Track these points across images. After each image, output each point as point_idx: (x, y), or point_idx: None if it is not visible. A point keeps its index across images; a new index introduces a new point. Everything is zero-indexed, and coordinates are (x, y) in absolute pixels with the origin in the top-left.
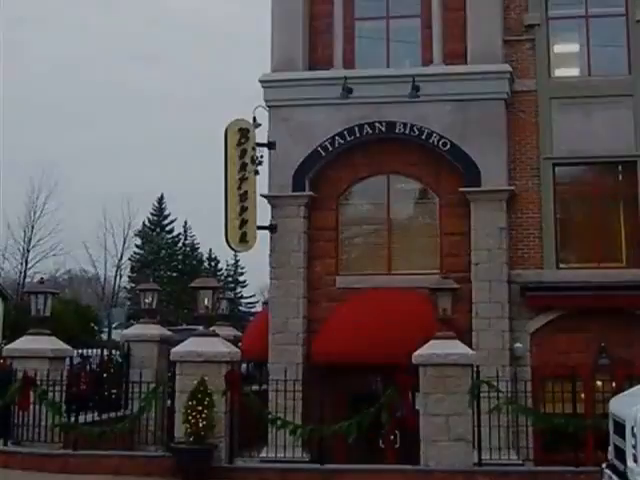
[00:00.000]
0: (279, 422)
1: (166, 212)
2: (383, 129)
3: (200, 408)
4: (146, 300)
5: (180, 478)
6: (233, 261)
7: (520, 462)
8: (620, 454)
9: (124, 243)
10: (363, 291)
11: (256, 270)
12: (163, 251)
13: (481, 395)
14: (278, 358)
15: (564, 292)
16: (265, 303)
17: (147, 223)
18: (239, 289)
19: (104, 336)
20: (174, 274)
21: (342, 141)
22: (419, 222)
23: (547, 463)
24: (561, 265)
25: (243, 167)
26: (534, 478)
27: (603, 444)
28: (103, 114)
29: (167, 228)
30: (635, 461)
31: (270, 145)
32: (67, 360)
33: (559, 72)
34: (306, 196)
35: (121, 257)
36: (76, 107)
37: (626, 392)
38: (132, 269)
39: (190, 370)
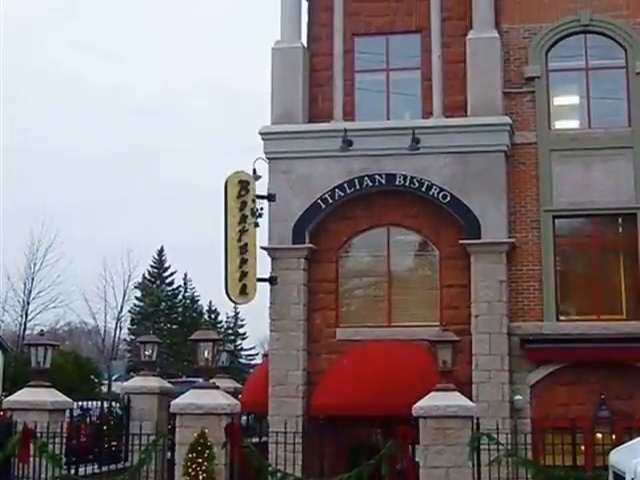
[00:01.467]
0: (279, 474)
1: (166, 264)
2: (383, 181)
3: (200, 460)
4: (146, 352)
5: None
6: (233, 313)
7: None
8: None
9: (124, 295)
10: (363, 343)
11: (256, 322)
12: (163, 303)
13: (481, 447)
14: (278, 410)
15: (564, 344)
16: (265, 355)
17: (147, 275)
18: (239, 341)
19: (104, 388)
20: (174, 326)
21: (342, 193)
22: (419, 274)
23: None
24: (561, 317)
25: (243, 219)
26: None
27: None
28: (103, 165)
29: (167, 280)
30: None
31: (270, 197)
32: (67, 412)
33: (559, 124)
34: (306, 248)
35: (121, 309)
36: (76, 158)
37: (626, 444)
38: (132, 321)
39: (190, 422)
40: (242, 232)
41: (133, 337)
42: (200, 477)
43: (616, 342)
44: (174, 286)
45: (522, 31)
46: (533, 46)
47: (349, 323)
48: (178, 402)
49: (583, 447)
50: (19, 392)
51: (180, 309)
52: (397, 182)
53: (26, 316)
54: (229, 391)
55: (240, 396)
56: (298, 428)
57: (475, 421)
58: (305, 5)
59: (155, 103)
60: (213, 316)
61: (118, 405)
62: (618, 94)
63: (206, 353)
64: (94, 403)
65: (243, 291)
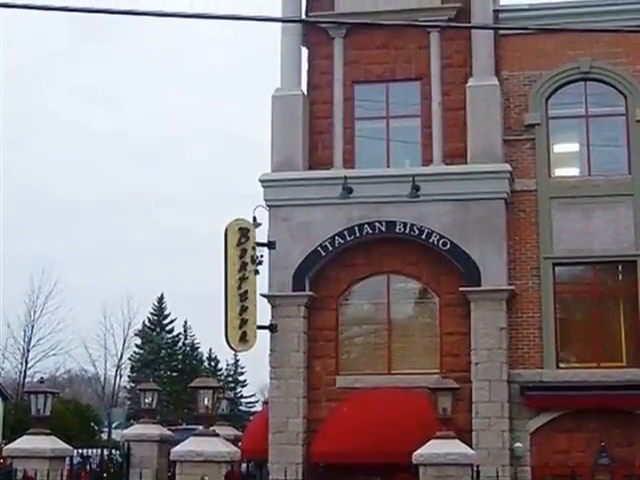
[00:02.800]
0: None
1: (166, 312)
2: (383, 229)
3: None
4: (146, 400)
5: None
6: (233, 360)
7: None
8: None
9: (124, 343)
10: (363, 391)
11: (256, 370)
12: (163, 351)
13: None
14: (278, 458)
15: (564, 392)
16: (265, 402)
17: (147, 323)
18: (239, 388)
19: (104, 436)
20: (174, 374)
21: (342, 241)
22: (419, 322)
23: None
24: (561, 365)
25: (243, 266)
26: None
27: None
28: (103, 212)
29: (167, 328)
30: None
31: (270, 245)
32: (67, 460)
33: (559, 172)
34: (306, 296)
35: (121, 357)
36: (76, 205)
37: None
38: (132, 369)
39: (190, 470)
40: (242, 279)
41: (133, 384)
42: None
43: (616, 389)
44: (174, 333)
45: (522, 78)
46: (533, 93)
47: (349, 371)
48: (178, 450)
49: None
50: (19, 440)
51: (180, 356)
52: (397, 229)
53: (26, 363)
54: (229, 439)
55: (240, 443)
56: (298, 476)
57: (475, 469)
58: (305, 53)
59: (155, 150)
60: (213, 363)
61: (118, 453)
62: (618, 141)
63: (206, 401)
64: (94, 451)
65: (243, 338)
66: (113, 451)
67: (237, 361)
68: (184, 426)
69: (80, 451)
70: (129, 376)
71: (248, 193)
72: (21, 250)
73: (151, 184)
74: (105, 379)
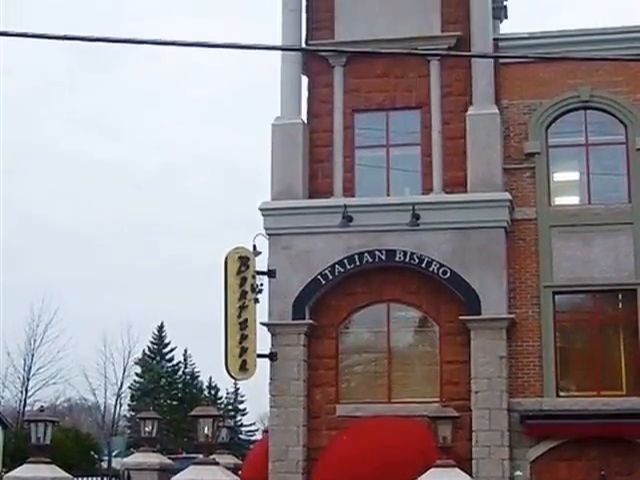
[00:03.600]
0: None
1: (166, 340)
2: (383, 257)
3: None
4: (146, 428)
5: None
6: (233, 389)
7: None
8: None
9: (124, 371)
10: (363, 419)
11: (256, 398)
12: (163, 379)
13: None
14: None
15: (564, 420)
16: (265, 431)
17: (147, 351)
18: (239, 417)
19: (104, 464)
20: (174, 402)
21: (342, 269)
22: (419, 350)
23: None
24: (561, 393)
25: (243, 295)
26: None
27: None
28: (103, 241)
29: (167, 356)
30: None
31: (270, 273)
32: None
33: (559, 200)
34: (306, 324)
35: (121, 385)
36: (76, 234)
37: None
38: (132, 397)
39: None
40: (242, 308)
41: (133, 413)
42: None
43: (616, 418)
44: (174, 362)
45: (522, 107)
46: (533, 122)
47: (349, 399)
48: (178, 478)
49: None
50: (19, 468)
51: (180, 385)
52: (397, 258)
53: (26, 392)
54: (229, 467)
55: (240, 472)
56: None
57: None
58: (305, 81)
59: (155, 178)
60: (213, 392)
61: None
62: (618, 170)
63: (206, 429)
64: (94, 479)
65: (243, 367)
66: None
67: (237, 389)
68: (184, 455)
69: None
70: (129, 405)
71: (248, 221)
72: (21, 279)
73: (151, 212)
74: (105, 408)
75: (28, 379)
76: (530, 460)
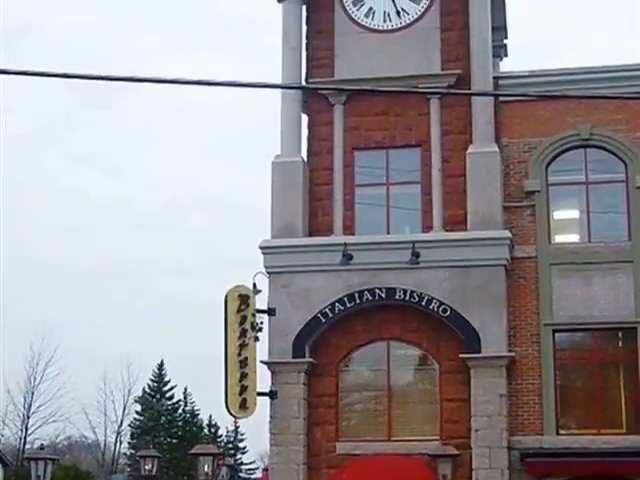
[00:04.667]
0: None
1: (166, 378)
2: (383, 295)
3: None
4: (146, 467)
5: None
6: (233, 427)
7: None
8: None
9: (124, 409)
10: (363, 457)
11: (256, 436)
12: (163, 417)
13: None
14: None
15: (564, 458)
16: (265, 469)
17: (147, 389)
18: (239, 455)
19: None
20: (174, 440)
21: (342, 307)
22: (419, 388)
23: None
24: (561, 431)
25: (243, 333)
26: None
27: None
28: (103, 279)
29: (167, 394)
30: None
31: (270, 311)
32: None
33: (559, 238)
34: (306, 362)
35: (121, 423)
36: (76, 272)
37: None
38: (132, 435)
39: None
40: (242, 346)
41: (133, 451)
42: None
43: (616, 456)
44: (174, 400)
45: (522, 145)
46: (533, 160)
47: (349, 437)
48: None
49: None
50: None
51: (180, 423)
52: (397, 296)
53: (26, 430)
54: None
55: None
56: None
57: None
58: (305, 119)
59: (155, 216)
60: (213, 430)
61: None
62: (618, 208)
63: (206, 467)
64: None
65: (243, 405)
66: None
67: (237, 428)
68: None
69: None
70: (129, 443)
71: (248, 259)
72: (21, 316)
73: (151, 251)
74: (105, 446)
75: (28, 417)
76: None
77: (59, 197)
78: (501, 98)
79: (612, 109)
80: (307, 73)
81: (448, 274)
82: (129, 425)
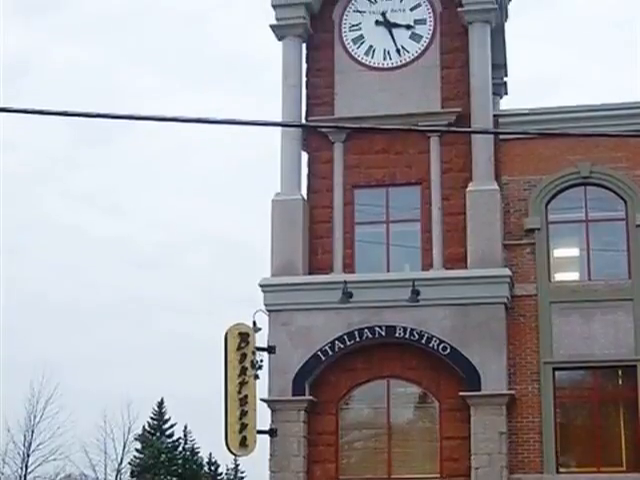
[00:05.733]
0: None
1: (166, 416)
2: (383, 333)
3: None
4: None
5: None
6: (233, 465)
7: None
8: None
9: (124, 447)
10: None
11: (256, 474)
12: (163, 455)
13: None
14: None
15: None
16: None
17: (147, 427)
18: None
19: None
20: (174, 478)
21: (342, 345)
22: (419, 426)
23: None
24: (561, 469)
25: (243, 371)
26: None
27: None
28: (103, 317)
29: (167, 432)
30: None
31: (270, 349)
32: None
33: (559, 276)
34: (306, 400)
35: (121, 461)
36: (76, 310)
37: None
38: (132, 473)
39: None
40: (242, 384)
41: None
42: None
43: None
44: (174, 438)
45: (522, 183)
46: (533, 198)
47: (349, 475)
48: None
49: None
50: None
51: (180, 461)
52: (397, 334)
53: (26, 468)
54: None
55: None
56: None
57: None
58: (305, 157)
59: (155, 254)
60: (213, 468)
61: None
62: (618, 246)
63: None
64: None
65: (243, 443)
66: None
67: (237, 466)
68: None
69: None
70: None
71: (248, 297)
72: (21, 355)
73: (151, 289)
74: None
75: (28, 455)
76: None
77: (59, 235)
78: (501, 136)
79: (612, 147)
80: (307, 111)
81: (448, 312)
82: (129, 463)
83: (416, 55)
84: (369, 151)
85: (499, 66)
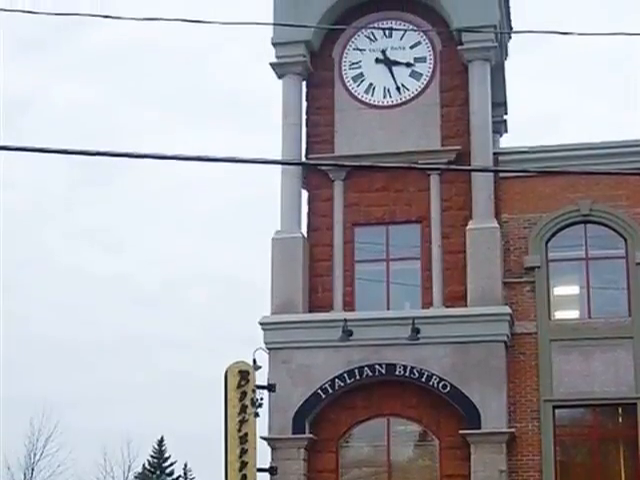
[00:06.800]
0: None
1: (166, 454)
2: (383, 371)
3: None
4: None
5: None
6: None
7: None
8: None
9: None
10: None
11: None
12: None
13: None
14: None
15: None
16: None
17: (147, 465)
18: None
19: None
20: None
21: (342, 383)
22: (419, 464)
23: None
24: None
25: (243, 409)
26: None
27: None
28: (103, 355)
29: (167, 470)
30: None
31: (270, 387)
32: None
33: (559, 314)
34: (306, 438)
35: None
36: (76, 347)
37: None
38: None
39: None
40: (242, 422)
41: None
42: None
43: None
44: (174, 476)
45: (522, 221)
46: (533, 236)
47: None
48: None
49: None
50: None
51: None
52: (397, 372)
53: None
54: None
55: None
56: None
57: None
58: (305, 195)
59: (155, 293)
60: None
61: None
62: (618, 284)
63: None
64: None
65: None
66: None
67: None
68: None
69: None
70: None
71: (248, 335)
72: (21, 392)
73: (151, 327)
74: None
75: None
76: None
77: (59, 273)
78: (501, 174)
79: (612, 185)
80: (307, 149)
81: (448, 350)
82: None
83: (416, 93)
84: (369, 189)
85: (499, 104)
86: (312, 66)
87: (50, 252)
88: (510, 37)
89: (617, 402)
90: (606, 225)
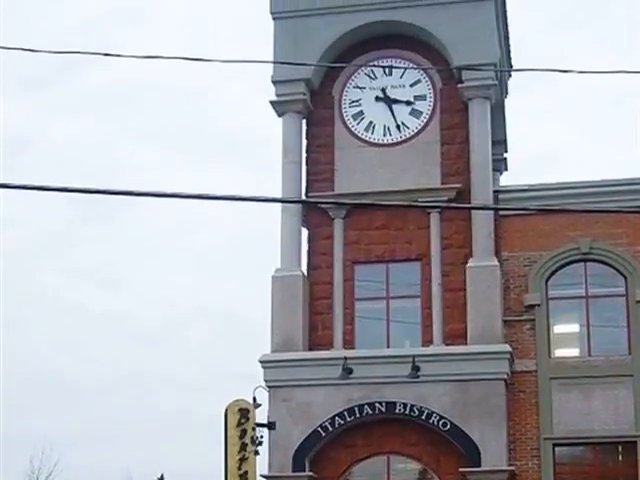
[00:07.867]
0: None
1: None
2: (383, 409)
3: None
4: None
5: None
6: None
7: None
8: None
9: None
10: None
11: None
12: None
13: None
14: None
15: None
16: None
17: None
18: None
19: None
20: None
21: (342, 422)
22: None
23: None
24: None
25: (243, 447)
26: None
27: None
28: (103, 392)
29: None
30: None
31: (270, 425)
32: None
33: (559, 352)
34: (306, 477)
35: None
36: (76, 385)
37: None
38: None
39: None
40: (242, 460)
41: None
42: None
43: None
44: None
45: (522, 259)
46: (533, 274)
47: None
48: None
49: None
50: None
51: None
52: (397, 410)
53: None
54: None
55: None
56: None
57: None
58: (305, 233)
59: (155, 329)
60: None
61: None
62: (618, 322)
63: None
64: None
65: None
66: None
67: None
68: None
69: None
70: None
71: (248, 373)
72: (21, 430)
73: (151, 364)
74: None
75: None
76: None
77: (59, 310)
78: (501, 212)
79: (612, 223)
80: (307, 187)
81: (448, 388)
82: None
83: (416, 131)
84: (369, 227)
85: (499, 142)
86: (312, 104)
87: (49, 289)
88: (510, 75)
89: (617, 440)
90: (606, 263)
